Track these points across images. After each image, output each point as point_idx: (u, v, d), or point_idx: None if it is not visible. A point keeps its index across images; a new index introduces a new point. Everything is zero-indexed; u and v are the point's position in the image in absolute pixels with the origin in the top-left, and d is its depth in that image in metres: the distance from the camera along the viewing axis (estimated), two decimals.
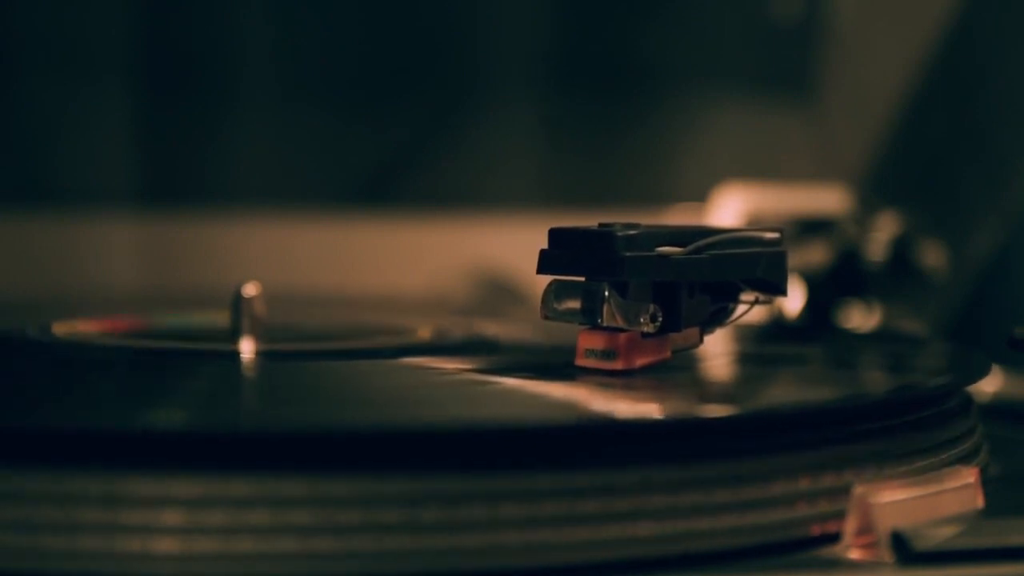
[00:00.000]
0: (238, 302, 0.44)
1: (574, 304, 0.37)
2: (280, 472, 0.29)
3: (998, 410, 0.48)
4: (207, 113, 0.74)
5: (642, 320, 0.37)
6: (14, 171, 0.73)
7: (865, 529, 0.32)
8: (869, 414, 0.35)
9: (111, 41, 0.72)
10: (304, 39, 0.76)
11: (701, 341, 0.39)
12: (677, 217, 0.68)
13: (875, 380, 0.44)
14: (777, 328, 0.55)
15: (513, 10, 0.77)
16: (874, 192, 0.68)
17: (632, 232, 0.37)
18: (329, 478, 0.29)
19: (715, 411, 0.35)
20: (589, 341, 0.38)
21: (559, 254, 0.37)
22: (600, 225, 0.37)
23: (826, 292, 0.58)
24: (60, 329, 0.47)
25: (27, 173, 0.73)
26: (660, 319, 0.37)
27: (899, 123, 0.73)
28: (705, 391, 0.39)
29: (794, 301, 0.57)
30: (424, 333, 0.48)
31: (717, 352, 0.43)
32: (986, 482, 0.35)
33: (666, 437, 0.32)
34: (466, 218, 0.76)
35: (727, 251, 0.38)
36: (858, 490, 0.32)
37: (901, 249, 0.59)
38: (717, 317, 0.39)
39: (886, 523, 0.32)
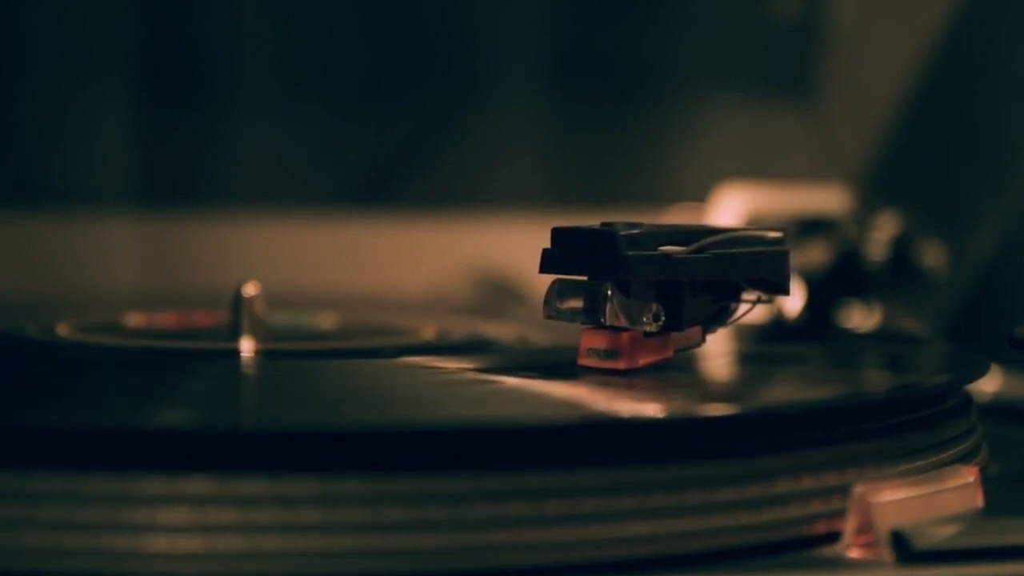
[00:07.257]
0: (238, 302, 0.44)
1: (577, 303, 0.37)
2: (281, 471, 0.29)
3: (998, 409, 0.48)
4: (207, 113, 0.74)
5: (645, 319, 0.37)
6: (14, 171, 0.73)
7: (865, 528, 0.32)
8: (869, 413, 0.35)
9: (111, 41, 0.72)
10: (304, 39, 0.76)
11: (703, 340, 0.39)
12: (677, 217, 0.68)
13: (875, 379, 0.44)
14: (777, 328, 0.55)
15: (513, 10, 0.77)
16: (874, 192, 0.68)
17: (635, 231, 0.37)
18: (330, 477, 0.29)
19: (715, 410, 0.35)
20: (592, 340, 0.38)
21: (562, 253, 0.37)
22: (602, 224, 0.37)
23: (826, 292, 0.58)
24: (62, 329, 0.47)
25: (27, 173, 0.73)
26: (663, 318, 0.37)
27: (899, 123, 0.73)
28: (705, 390, 0.39)
29: (794, 301, 0.57)
30: (424, 333, 0.48)
31: (717, 352, 0.43)
32: (986, 481, 0.35)
33: (666, 436, 0.32)
34: (466, 218, 0.76)
35: (730, 250, 0.38)
36: (858, 489, 0.32)
37: (901, 249, 0.59)
38: (719, 316, 0.39)
39: (886, 522, 0.32)
